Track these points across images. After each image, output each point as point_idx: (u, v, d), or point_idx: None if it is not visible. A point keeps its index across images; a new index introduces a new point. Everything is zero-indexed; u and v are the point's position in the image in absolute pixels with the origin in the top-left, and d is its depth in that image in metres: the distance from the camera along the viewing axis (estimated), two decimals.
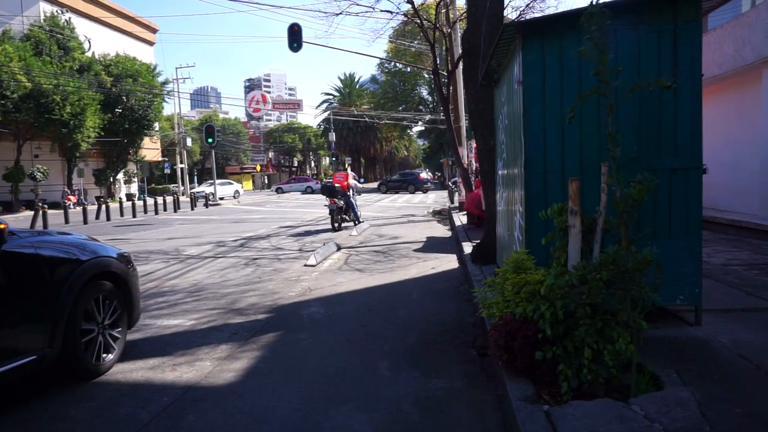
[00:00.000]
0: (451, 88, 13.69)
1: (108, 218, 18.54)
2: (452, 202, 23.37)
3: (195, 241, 11.84)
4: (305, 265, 8.32)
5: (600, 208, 3.07)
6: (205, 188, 37.51)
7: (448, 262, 8.57)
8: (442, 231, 13.28)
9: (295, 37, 16.38)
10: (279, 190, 48.11)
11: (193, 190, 37.61)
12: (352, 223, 14.16)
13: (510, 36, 4.24)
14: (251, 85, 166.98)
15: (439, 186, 51.53)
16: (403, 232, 12.91)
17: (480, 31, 7.04)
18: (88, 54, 35.64)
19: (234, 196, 38.48)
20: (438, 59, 13.57)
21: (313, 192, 42.91)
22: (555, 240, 3.32)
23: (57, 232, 4.11)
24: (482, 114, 7.25)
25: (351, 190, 14.08)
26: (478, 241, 8.02)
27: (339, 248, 10.07)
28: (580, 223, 3.10)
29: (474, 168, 16.43)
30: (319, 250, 9.01)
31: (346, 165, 66.61)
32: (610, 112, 2.85)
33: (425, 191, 39.07)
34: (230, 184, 42.62)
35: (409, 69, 55.33)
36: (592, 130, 3.87)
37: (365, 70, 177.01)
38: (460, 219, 14.29)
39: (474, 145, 17.59)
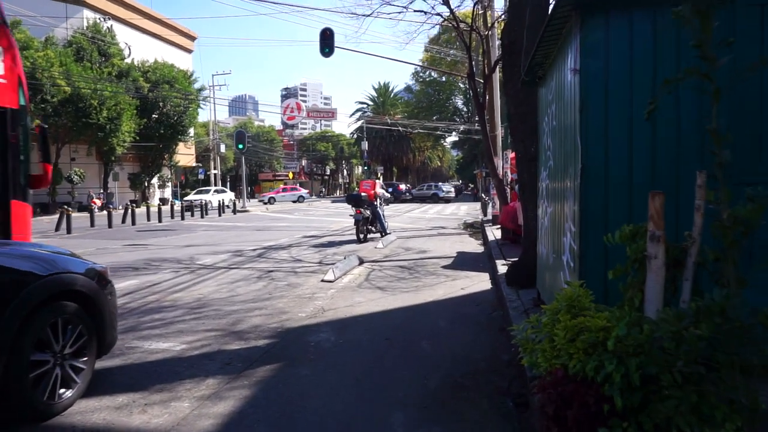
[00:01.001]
0: (487, 95, 12.86)
1: (133, 222, 18.38)
2: (485, 214, 22.40)
3: (213, 250, 11.32)
4: (322, 281, 7.62)
5: (693, 233, 2.24)
6: (199, 196, 34.46)
7: (479, 281, 7.73)
8: (473, 246, 12.41)
9: (327, 41, 15.90)
10: (271, 200, 41.97)
11: (187, 198, 34.75)
12: (378, 235, 13.43)
13: (564, 16, 3.45)
14: (288, 94, 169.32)
15: (472, 198, 50.43)
16: (431, 246, 12.10)
17: (522, 24, 6.24)
18: (128, 60, 36.28)
19: (228, 205, 32.31)
20: (474, 65, 12.78)
21: (303, 201, 42.16)
22: (627, 274, 2.49)
23: (23, 243, 3.51)
24: (524, 118, 6.43)
25: (378, 200, 13.36)
26: (514, 260, 7.16)
27: (361, 262, 9.34)
28: (664, 253, 2.27)
29: (509, 179, 15.53)
30: (339, 264, 8.30)
31: (378, 174, 66.23)
32: (715, 100, 2.04)
33: (447, 201, 39.94)
34: (224, 192, 39.32)
35: (444, 78, 54.68)
36: (670, 130, 3.04)
37: (400, 79, 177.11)
38: (494, 233, 13.39)
39: (511, 154, 16.66)
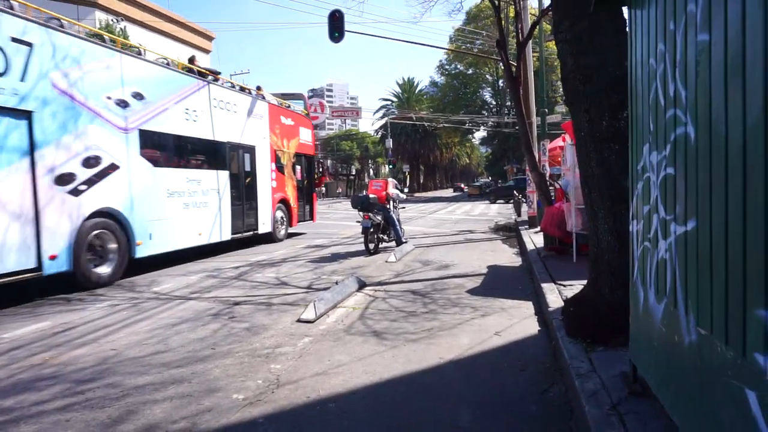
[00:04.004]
0: (521, 68, 10.47)
1: None
2: (519, 215, 19.93)
3: (187, 268, 9.30)
4: (299, 320, 5.47)
5: None
6: None
7: (520, 318, 5.45)
8: (508, 256, 10.06)
9: (336, 25, 13.74)
10: None
11: None
12: (393, 244, 11.23)
13: None
14: (314, 95, 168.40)
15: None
16: (456, 258, 9.82)
17: None
18: None
19: None
20: (505, 33, 10.42)
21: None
22: None
23: None
24: (588, 74, 4.12)
25: (391, 203, 11.15)
26: (576, 295, 4.84)
27: (362, 286, 7.15)
28: None
29: (548, 174, 13.08)
30: (327, 295, 6.11)
31: (406, 173, 63.91)
32: None
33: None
34: None
35: (470, 70, 52.02)
36: None
37: (424, 73, 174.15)
38: (532, 240, 11.01)
39: (549, 144, 14.19)
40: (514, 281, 7.50)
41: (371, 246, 10.48)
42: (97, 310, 6.20)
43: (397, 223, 11.09)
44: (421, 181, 74.26)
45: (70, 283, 7.33)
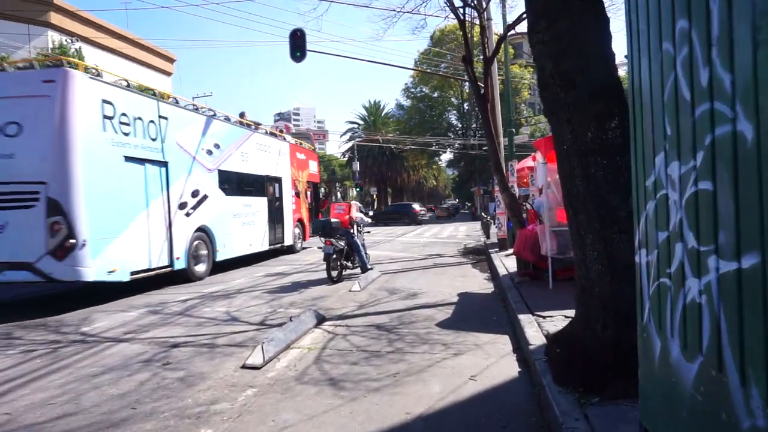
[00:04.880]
0: (489, 84, 10.05)
1: None
2: (488, 237, 19.54)
3: (130, 303, 8.37)
4: (244, 367, 4.70)
5: None
6: None
7: (497, 356, 4.82)
8: (479, 282, 9.50)
9: (297, 44, 13.19)
10: None
11: None
12: (357, 270, 10.53)
13: None
14: (281, 119, 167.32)
15: (470, 217, 47.79)
16: (425, 285, 9.19)
17: None
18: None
19: None
20: (471, 49, 10.04)
21: None
22: None
23: None
24: (572, 78, 3.61)
25: (355, 227, 10.49)
26: (560, 331, 4.27)
27: (321, 321, 6.41)
28: None
29: (517, 195, 12.69)
30: (278, 334, 5.36)
31: (374, 196, 63.48)
32: None
33: (419, 223, 37.12)
34: None
35: (435, 94, 52.35)
36: None
37: (390, 97, 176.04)
38: (504, 264, 10.51)
39: (517, 165, 13.87)
40: (488, 311, 6.91)
41: (334, 274, 9.75)
42: (5, 359, 5.28)
43: (361, 248, 10.41)
44: (389, 203, 73.95)
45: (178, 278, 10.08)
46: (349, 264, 10.38)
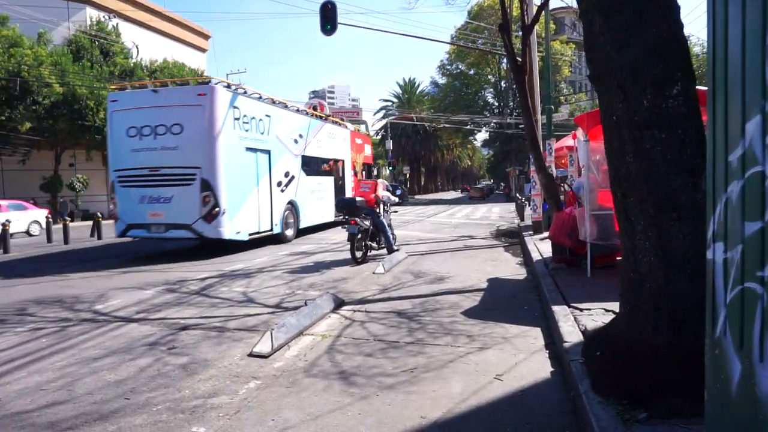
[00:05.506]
0: (527, 56, 9.31)
1: (99, 236, 15.53)
2: (522, 219, 18.82)
3: (148, 280, 8.23)
4: (251, 355, 4.39)
5: None
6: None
7: (527, 352, 4.36)
8: (511, 267, 8.97)
9: (328, 17, 12.69)
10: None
11: None
12: (384, 251, 10.13)
13: None
14: (315, 96, 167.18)
15: (505, 198, 46.75)
16: (453, 268, 8.73)
17: None
18: (136, 60, 34.01)
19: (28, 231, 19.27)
20: (509, 17, 9.32)
21: None
22: None
23: None
24: (626, 35, 3.04)
25: (381, 206, 10.06)
26: (600, 331, 3.76)
27: (339, 305, 6.06)
28: None
29: (555, 176, 11.97)
30: (290, 320, 5.01)
31: (407, 175, 62.85)
32: None
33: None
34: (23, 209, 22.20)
35: (472, 71, 50.88)
36: None
37: (426, 74, 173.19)
38: (538, 248, 9.92)
39: (556, 144, 13.11)
40: (519, 299, 6.42)
41: (358, 255, 9.38)
42: (13, 336, 5.13)
43: (387, 228, 9.99)
44: (422, 183, 73.16)
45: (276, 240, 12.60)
46: (374, 245, 10.00)
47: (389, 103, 68.93)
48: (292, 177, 13.40)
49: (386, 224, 10.01)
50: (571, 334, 4.25)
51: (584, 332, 4.26)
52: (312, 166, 14.85)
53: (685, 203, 2.90)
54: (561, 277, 6.89)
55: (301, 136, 14.13)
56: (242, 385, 3.75)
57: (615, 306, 5.00)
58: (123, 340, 4.90)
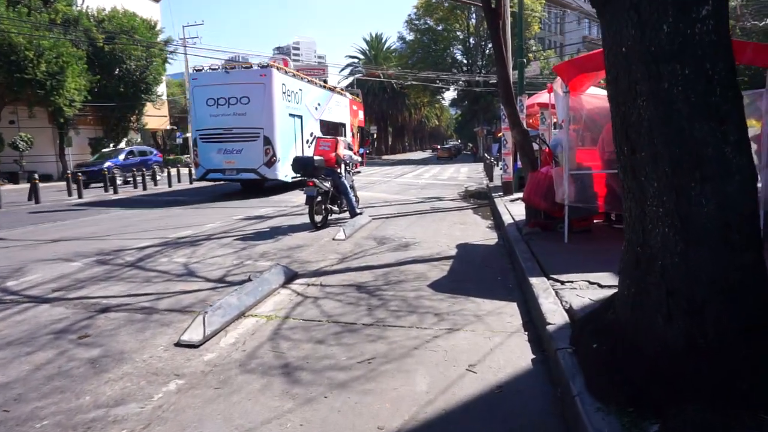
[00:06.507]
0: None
1: (37, 200, 14.23)
2: (491, 179, 18.34)
3: (79, 249, 7.31)
4: (178, 344, 3.66)
5: None
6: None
7: (504, 333, 3.78)
8: (481, 231, 8.42)
9: None
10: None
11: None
12: (346, 214, 9.42)
13: None
14: (280, 53, 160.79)
15: (472, 158, 46.34)
16: (420, 233, 8.11)
17: None
18: (81, 7, 31.33)
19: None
20: None
21: None
22: None
23: None
24: None
25: (342, 166, 9.27)
26: (595, 316, 3.18)
27: (291, 278, 5.35)
28: None
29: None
30: (230, 299, 4.29)
31: (374, 135, 61.59)
32: None
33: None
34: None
35: (440, 26, 49.31)
36: None
37: (393, 29, 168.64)
38: (509, 210, 9.38)
39: (527, 100, 12.45)
40: (491, 268, 5.85)
41: (317, 219, 8.63)
42: None
43: (349, 190, 9.24)
44: (389, 143, 72.05)
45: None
46: (335, 208, 9.25)
47: (356, 60, 66.81)
48: (315, 137, 14.42)
49: (348, 186, 9.25)
50: (554, 313, 3.67)
51: (569, 311, 3.69)
52: (326, 128, 18.42)
53: (712, 158, 2.27)
54: (536, 242, 6.34)
55: (319, 104, 18.10)
56: (159, 387, 3.04)
57: (600, 277, 4.48)
58: (25, 327, 4.10)
